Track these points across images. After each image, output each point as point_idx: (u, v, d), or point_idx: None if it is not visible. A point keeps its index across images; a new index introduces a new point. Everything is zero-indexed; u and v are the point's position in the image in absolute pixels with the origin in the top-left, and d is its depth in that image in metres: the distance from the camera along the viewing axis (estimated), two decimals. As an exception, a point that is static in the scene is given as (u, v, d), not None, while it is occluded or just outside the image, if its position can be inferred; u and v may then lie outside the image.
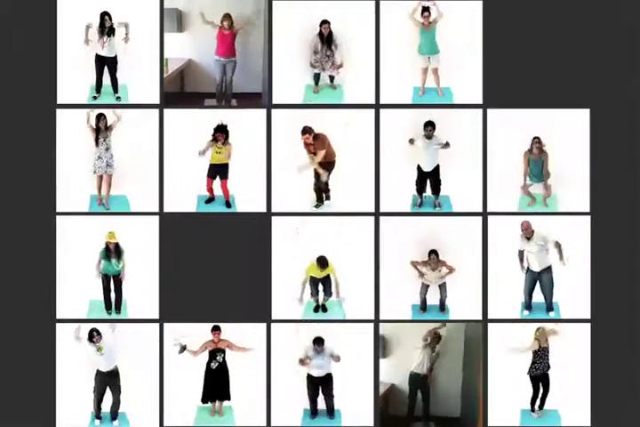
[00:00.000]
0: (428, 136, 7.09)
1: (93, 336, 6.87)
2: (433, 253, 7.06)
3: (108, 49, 7.15)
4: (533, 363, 6.96)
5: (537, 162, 7.07)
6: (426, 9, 7.08)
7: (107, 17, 7.08)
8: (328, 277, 7.05)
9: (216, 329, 6.94)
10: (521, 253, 7.03)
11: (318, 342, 6.92)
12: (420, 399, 7.50)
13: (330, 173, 7.13)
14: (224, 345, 6.97)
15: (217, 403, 7.04)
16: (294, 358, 6.99)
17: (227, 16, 7.44)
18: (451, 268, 7.09)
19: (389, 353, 7.68)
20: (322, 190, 7.14)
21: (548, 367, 6.97)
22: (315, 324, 7.01)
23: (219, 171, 7.14)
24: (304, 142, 7.02)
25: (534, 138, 7.03)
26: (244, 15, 7.55)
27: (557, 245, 7.00)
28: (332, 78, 7.28)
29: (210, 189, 7.12)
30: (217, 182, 7.15)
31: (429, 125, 7.07)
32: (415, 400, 7.50)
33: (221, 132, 7.04)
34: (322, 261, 6.96)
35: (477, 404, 7.00)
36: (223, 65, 7.56)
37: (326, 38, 7.18)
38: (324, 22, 7.14)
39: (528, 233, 6.98)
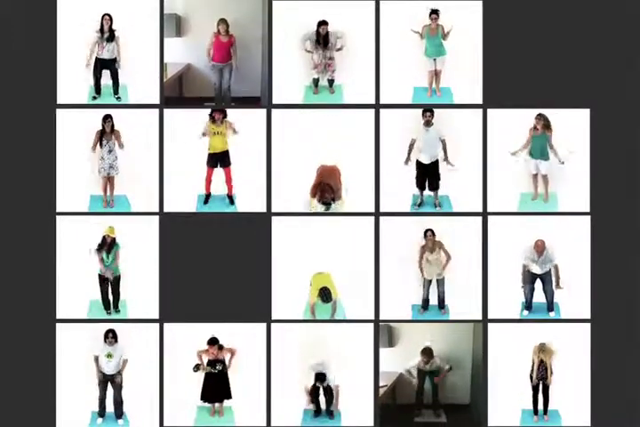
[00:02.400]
0: (427, 123, 7.07)
1: (108, 337, 6.89)
2: (429, 231, 7.04)
3: (108, 52, 7.15)
4: (534, 372, 7.00)
5: (539, 138, 7.06)
6: (434, 12, 7.07)
7: (106, 20, 7.07)
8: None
9: (212, 343, 6.92)
10: (525, 268, 7.03)
11: (320, 377, 6.94)
12: (430, 388, 7.49)
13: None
14: (223, 355, 6.95)
15: (217, 403, 7.04)
16: (294, 358, 6.99)
17: (222, 21, 7.40)
18: (448, 253, 7.07)
19: (396, 342, 7.69)
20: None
21: (546, 378, 6.99)
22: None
23: (219, 159, 7.12)
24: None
25: (537, 115, 7.01)
26: (239, 20, 7.57)
27: (555, 269, 7.01)
28: (330, 82, 7.27)
29: (209, 181, 7.10)
30: (218, 176, 7.14)
31: (428, 111, 7.05)
32: (423, 389, 7.50)
33: (219, 111, 7.02)
34: (325, 297, 6.90)
35: (484, 389, 7.01)
36: (220, 69, 7.54)
37: (323, 39, 7.16)
38: (323, 23, 7.13)
39: (540, 252, 6.98)
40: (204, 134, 7.06)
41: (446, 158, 7.13)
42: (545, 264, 7.02)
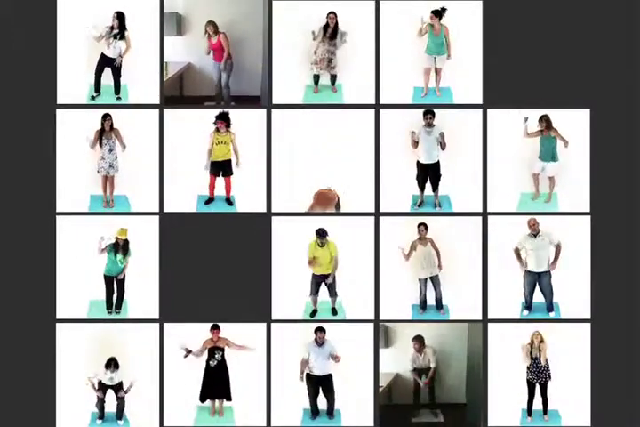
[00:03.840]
0: (429, 124, 7.08)
1: (110, 366, 6.89)
2: (422, 224, 7.04)
3: (114, 50, 7.14)
4: (531, 368, 7.00)
5: (547, 140, 7.06)
6: (436, 13, 7.06)
7: (118, 19, 7.07)
8: (332, 276, 7.05)
9: (215, 328, 6.94)
10: (517, 251, 7.03)
11: (319, 330, 6.93)
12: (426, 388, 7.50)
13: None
14: (223, 344, 6.97)
15: (217, 402, 7.05)
16: (294, 358, 6.99)
17: (209, 23, 7.44)
18: (437, 249, 7.07)
19: (392, 342, 7.67)
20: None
21: (546, 377, 6.98)
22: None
23: (222, 168, 7.14)
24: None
25: (539, 117, 7.01)
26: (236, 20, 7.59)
27: (557, 248, 7.01)
28: (333, 79, 7.28)
29: (212, 187, 7.12)
30: (220, 180, 7.16)
31: (429, 113, 7.06)
32: (420, 387, 7.50)
33: (222, 120, 7.04)
34: (321, 233, 6.92)
35: (483, 390, 7.01)
36: (218, 68, 7.57)
37: (332, 31, 7.15)
38: (331, 13, 7.11)
39: (534, 230, 6.98)
40: (210, 151, 7.06)
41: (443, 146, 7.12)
42: (543, 248, 6.99)
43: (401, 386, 7.68)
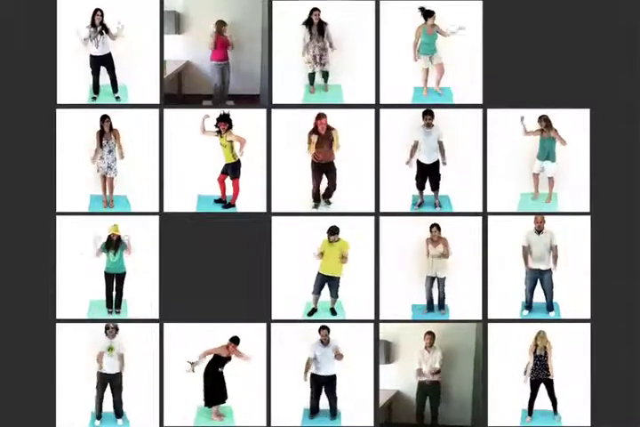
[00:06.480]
0: (428, 125, 7.08)
1: (109, 328, 6.89)
2: (435, 226, 7.04)
3: (102, 47, 7.14)
4: (533, 366, 6.99)
5: (546, 141, 7.07)
6: (429, 14, 7.07)
7: (98, 14, 7.06)
8: (337, 278, 7.06)
9: (236, 342, 6.92)
10: (525, 250, 7.03)
11: (323, 328, 6.93)
12: (429, 407, 7.31)
13: (333, 176, 7.14)
14: (232, 354, 6.95)
15: (216, 407, 7.03)
16: (294, 357, 6.99)
17: (222, 22, 7.43)
18: (447, 250, 7.05)
19: (394, 359, 7.62)
20: (323, 195, 7.16)
21: (548, 374, 6.98)
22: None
23: (229, 169, 7.14)
24: (315, 127, 6.99)
25: (539, 117, 7.02)
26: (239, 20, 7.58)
27: (553, 250, 7.01)
28: (325, 76, 7.26)
29: (221, 187, 7.14)
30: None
31: (428, 114, 7.06)
32: (424, 408, 7.33)
33: (223, 121, 7.04)
34: (330, 231, 6.93)
35: (483, 389, 6.97)
36: (221, 69, 7.56)
37: (317, 27, 7.16)
38: (315, 10, 7.11)
39: (540, 227, 6.98)
40: (203, 130, 7.07)
41: (444, 161, 7.13)
42: (545, 245, 7.00)
43: (402, 404, 7.55)
